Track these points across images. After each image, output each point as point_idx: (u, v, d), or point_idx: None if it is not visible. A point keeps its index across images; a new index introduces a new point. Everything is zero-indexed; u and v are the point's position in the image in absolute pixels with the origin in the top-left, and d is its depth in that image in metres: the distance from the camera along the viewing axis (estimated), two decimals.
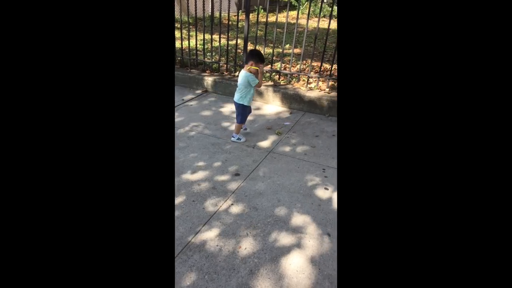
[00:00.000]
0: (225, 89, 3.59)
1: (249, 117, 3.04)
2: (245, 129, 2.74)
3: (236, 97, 2.45)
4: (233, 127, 2.81)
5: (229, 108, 3.24)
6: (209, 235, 1.58)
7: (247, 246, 1.52)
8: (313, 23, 7.58)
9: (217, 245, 1.51)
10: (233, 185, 1.98)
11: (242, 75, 2.38)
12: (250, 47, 4.73)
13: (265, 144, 2.55)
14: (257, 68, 2.35)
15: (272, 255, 1.47)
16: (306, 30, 3.18)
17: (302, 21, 7.77)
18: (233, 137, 2.57)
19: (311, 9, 8.34)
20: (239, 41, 4.47)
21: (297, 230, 1.64)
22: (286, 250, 1.51)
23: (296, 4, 9.22)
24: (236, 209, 1.77)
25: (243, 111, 2.47)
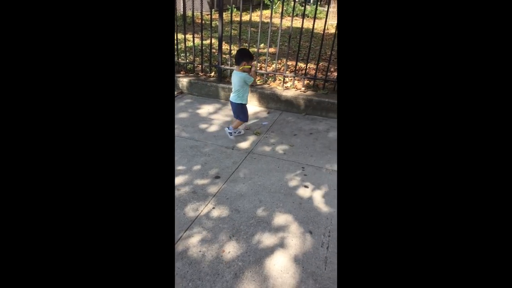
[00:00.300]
0: (201, 90, 3.54)
1: (227, 118, 3.02)
2: (240, 132, 2.71)
3: (234, 98, 2.49)
4: (211, 128, 2.77)
5: (206, 110, 3.20)
6: (191, 241, 1.55)
7: (230, 249, 1.51)
8: (286, 22, 7.66)
9: (200, 251, 1.49)
10: (214, 189, 1.96)
11: (237, 76, 2.42)
12: (225, 46, 4.70)
13: (244, 145, 2.54)
14: (250, 66, 2.42)
15: (256, 257, 1.47)
16: (280, 30, 3.20)
17: (276, 20, 7.82)
18: (234, 132, 2.62)
19: (284, 8, 8.41)
20: (213, 40, 4.41)
21: (279, 230, 1.65)
22: (269, 251, 1.51)
23: (269, 3, 9.27)
24: (217, 212, 1.75)
25: (243, 109, 2.54)
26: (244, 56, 2.40)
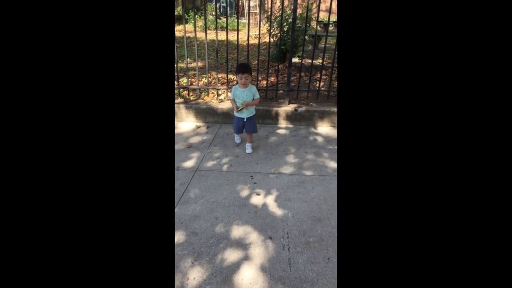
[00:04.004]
0: None
1: None
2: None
3: (246, 114, 2.54)
4: None
5: None
6: None
7: (195, 275, 1.45)
8: (209, 36, 7.73)
9: None
10: None
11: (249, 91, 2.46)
12: None
13: (189, 163, 2.47)
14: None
15: (223, 276, 1.44)
16: (206, 44, 3.23)
17: (199, 34, 7.83)
18: (250, 148, 2.68)
19: (202, 22, 8.49)
20: None
21: (241, 243, 1.65)
22: (235, 266, 1.50)
23: (187, 17, 9.22)
24: (175, 239, 1.66)
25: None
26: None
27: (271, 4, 3.11)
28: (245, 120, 2.55)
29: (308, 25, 3.52)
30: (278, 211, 1.91)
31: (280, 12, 3.66)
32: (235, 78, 3.81)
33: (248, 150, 2.67)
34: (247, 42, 3.17)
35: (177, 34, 6.97)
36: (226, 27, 3.24)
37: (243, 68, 2.37)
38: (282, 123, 3.31)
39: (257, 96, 2.51)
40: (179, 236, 1.69)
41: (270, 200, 2.02)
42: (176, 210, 1.90)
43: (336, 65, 3.47)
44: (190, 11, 9.49)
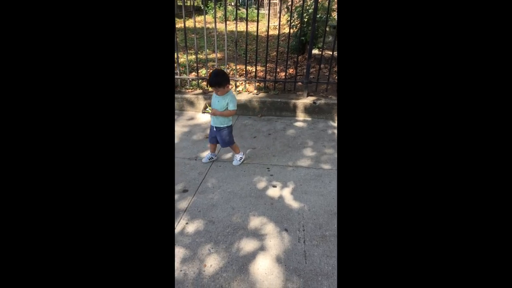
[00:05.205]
0: None
1: (185, 129, 2.94)
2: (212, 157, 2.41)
3: (214, 122, 2.21)
4: None
5: None
6: None
7: (212, 263, 1.48)
8: (224, 27, 7.70)
9: (181, 271, 1.44)
10: (184, 203, 1.90)
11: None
12: None
13: (206, 153, 2.50)
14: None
15: (239, 265, 1.47)
16: (226, 35, 3.22)
17: (217, 25, 7.81)
18: (237, 160, 2.33)
19: (221, 13, 8.44)
20: None
21: (257, 233, 1.67)
22: (251, 256, 1.53)
23: (205, 8, 9.22)
24: (192, 227, 1.71)
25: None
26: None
27: None
28: (214, 129, 2.21)
29: (329, 15, 3.43)
30: (294, 204, 1.92)
31: (301, 2, 3.58)
32: (253, 69, 3.80)
33: (234, 162, 2.34)
34: (266, 33, 3.13)
35: (196, 25, 6.99)
36: (246, 18, 3.21)
37: (210, 81, 2.02)
38: (300, 115, 3.28)
39: (232, 107, 2.08)
40: (197, 224, 1.73)
41: (287, 193, 2.02)
42: (194, 199, 1.94)
43: None
44: (210, 2, 9.47)
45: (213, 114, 2.11)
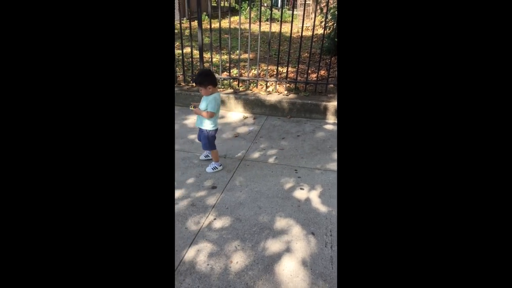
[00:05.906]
0: (185, 100, 3.50)
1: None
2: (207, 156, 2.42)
3: (196, 122, 2.23)
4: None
5: (192, 120, 3.17)
6: (198, 255, 1.53)
7: (238, 259, 1.51)
8: (256, 27, 7.75)
9: (208, 264, 1.48)
10: (212, 199, 1.95)
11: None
12: (205, 55, 4.68)
13: (235, 152, 2.54)
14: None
15: (265, 264, 1.48)
16: (259, 35, 3.25)
17: (247, 26, 7.90)
18: (210, 167, 2.26)
19: (254, 13, 8.50)
20: (189, 49, 4.39)
21: (283, 235, 1.67)
22: (277, 257, 1.53)
23: (238, 8, 9.37)
24: (219, 223, 1.75)
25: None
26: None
27: None
28: (199, 129, 2.21)
29: None
30: (321, 208, 1.89)
31: (336, 3, 3.52)
32: (284, 70, 3.79)
33: (208, 168, 2.24)
34: (299, 34, 3.11)
35: (226, 25, 7.11)
36: (281, 19, 3.21)
37: (194, 79, 1.98)
38: (330, 118, 3.22)
39: (210, 109, 2.04)
40: (224, 221, 1.76)
41: (314, 196, 2.00)
42: (222, 195, 1.98)
43: None
44: (244, 2, 9.57)
45: (194, 112, 2.12)
